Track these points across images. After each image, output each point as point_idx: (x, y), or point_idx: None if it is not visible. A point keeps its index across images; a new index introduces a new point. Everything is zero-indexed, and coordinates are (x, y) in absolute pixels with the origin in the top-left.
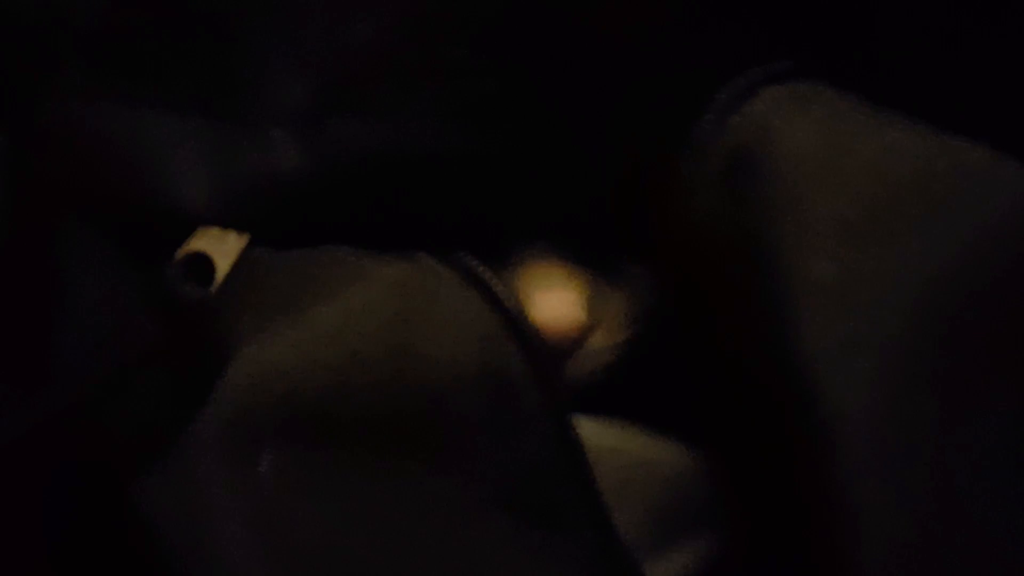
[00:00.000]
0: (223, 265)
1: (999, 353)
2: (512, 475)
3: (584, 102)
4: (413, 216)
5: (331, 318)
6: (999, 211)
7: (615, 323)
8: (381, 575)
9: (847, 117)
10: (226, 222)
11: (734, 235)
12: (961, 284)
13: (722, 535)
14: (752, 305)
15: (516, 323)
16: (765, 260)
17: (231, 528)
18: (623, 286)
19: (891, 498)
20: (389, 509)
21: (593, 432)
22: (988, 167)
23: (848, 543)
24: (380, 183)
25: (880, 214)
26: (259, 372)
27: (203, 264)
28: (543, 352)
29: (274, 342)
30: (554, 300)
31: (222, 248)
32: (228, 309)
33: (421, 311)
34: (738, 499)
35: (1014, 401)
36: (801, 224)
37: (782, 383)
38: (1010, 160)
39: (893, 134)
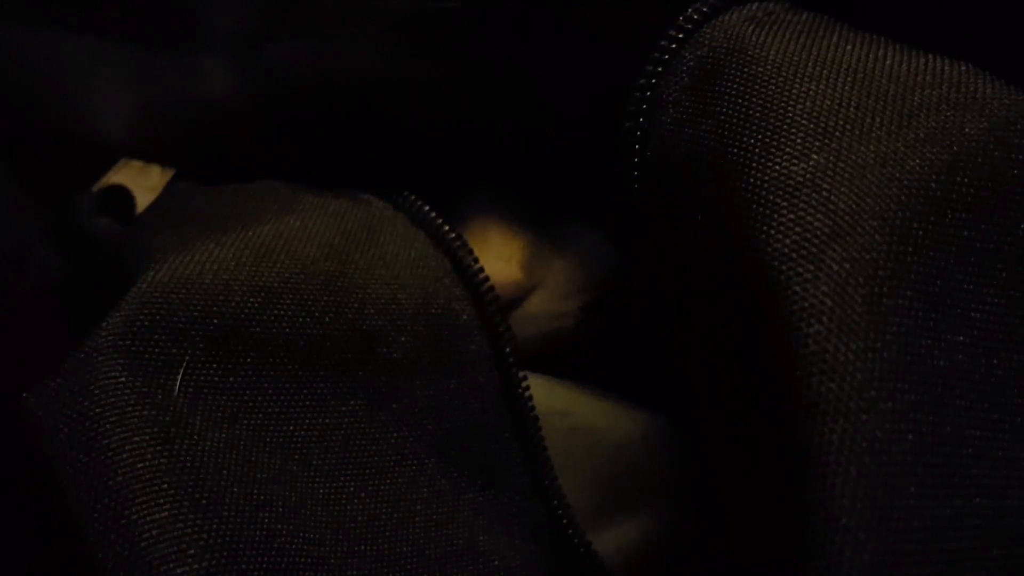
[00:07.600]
0: (143, 199)
1: (973, 263)
2: (450, 423)
3: (543, 26)
4: (357, 152)
5: (261, 239)
6: (978, 125)
7: (557, 290)
8: (293, 510)
9: (826, 31)
10: (156, 152)
11: (705, 142)
12: (936, 191)
13: (667, 507)
14: (723, 208)
15: (464, 267)
16: (736, 162)
17: (134, 438)
18: (572, 254)
19: (864, 395)
20: (307, 442)
21: (542, 392)
22: (969, 83)
23: (819, 433)
24: (322, 113)
25: (857, 118)
26: (175, 284)
27: (122, 197)
28: (492, 299)
29: (195, 257)
30: (493, 255)
31: (143, 182)
32: (146, 238)
33: (362, 246)
34: (687, 470)
35: (987, 312)
36: (775, 126)
37: (752, 282)
38: (990, 77)
39: (873, 47)
